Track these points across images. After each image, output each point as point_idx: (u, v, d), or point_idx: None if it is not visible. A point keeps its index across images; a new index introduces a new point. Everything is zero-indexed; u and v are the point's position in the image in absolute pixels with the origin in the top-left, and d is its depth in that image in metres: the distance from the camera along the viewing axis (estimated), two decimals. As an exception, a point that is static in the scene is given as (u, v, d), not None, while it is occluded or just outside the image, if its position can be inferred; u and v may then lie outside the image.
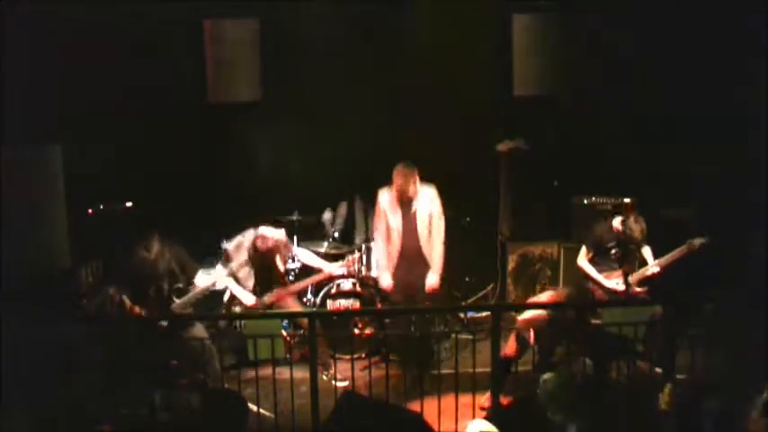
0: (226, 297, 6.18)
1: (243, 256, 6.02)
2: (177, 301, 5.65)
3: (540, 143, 7.25)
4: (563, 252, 7.21)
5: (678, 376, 5.12)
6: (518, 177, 7.33)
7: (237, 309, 6.11)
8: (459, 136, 7.42)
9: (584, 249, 6.18)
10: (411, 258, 6.07)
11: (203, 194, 7.11)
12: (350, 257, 6.25)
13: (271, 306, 6.13)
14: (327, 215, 7.15)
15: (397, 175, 5.91)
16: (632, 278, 6.00)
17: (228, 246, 6.07)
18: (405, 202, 5.98)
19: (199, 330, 5.66)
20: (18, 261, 5.69)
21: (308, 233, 7.10)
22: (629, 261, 6.08)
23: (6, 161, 5.73)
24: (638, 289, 6.03)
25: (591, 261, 6.14)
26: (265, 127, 7.32)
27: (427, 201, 6.03)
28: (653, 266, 5.99)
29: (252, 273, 6.07)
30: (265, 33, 6.48)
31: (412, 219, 6.02)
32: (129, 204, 6.87)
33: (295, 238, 6.86)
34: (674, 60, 6.73)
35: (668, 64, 6.77)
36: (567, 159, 7.11)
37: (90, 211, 6.72)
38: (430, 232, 6.05)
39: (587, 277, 6.15)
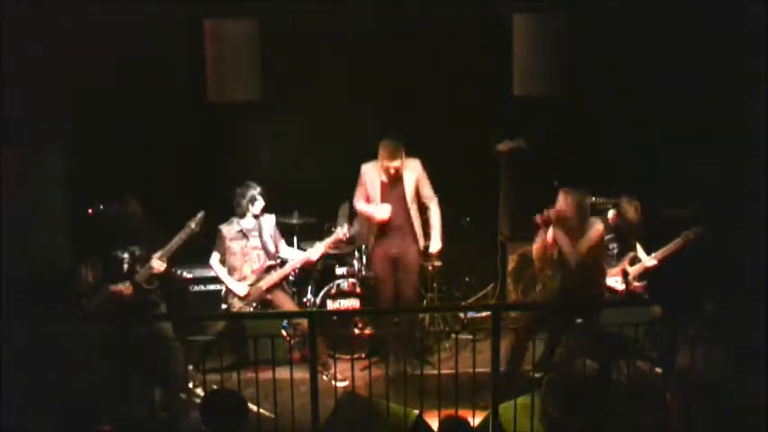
0: (223, 290, 6.23)
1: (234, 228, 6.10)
2: (140, 270, 5.70)
3: (540, 143, 7.25)
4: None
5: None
6: (518, 177, 7.32)
7: (235, 301, 6.12)
8: (459, 136, 7.43)
9: None
10: (395, 230, 6.11)
11: (203, 194, 7.11)
12: (338, 232, 6.22)
13: (266, 293, 6.14)
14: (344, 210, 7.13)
15: (385, 152, 5.92)
16: (630, 273, 6.01)
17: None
18: (391, 177, 6.01)
19: (167, 329, 5.66)
20: (18, 261, 5.69)
21: (308, 233, 7.10)
22: (626, 255, 6.08)
23: (6, 161, 5.73)
24: (636, 284, 6.02)
25: None
26: (265, 127, 7.33)
27: (412, 171, 6.06)
28: (650, 259, 6.00)
29: (245, 258, 6.09)
30: (265, 33, 6.48)
31: (399, 191, 6.06)
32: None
33: (295, 238, 6.87)
34: (675, 60, 6.73)
35: (669, 64, 6.77)
36: (567, 159, 7.11)
37: (90, 211, 6.72)
38: (415, 203, 6.11)
39: None
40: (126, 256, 5.73)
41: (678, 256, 6.07)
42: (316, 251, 6.24)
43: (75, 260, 6.35)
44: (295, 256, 6.34)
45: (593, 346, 5.48)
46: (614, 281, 6.05)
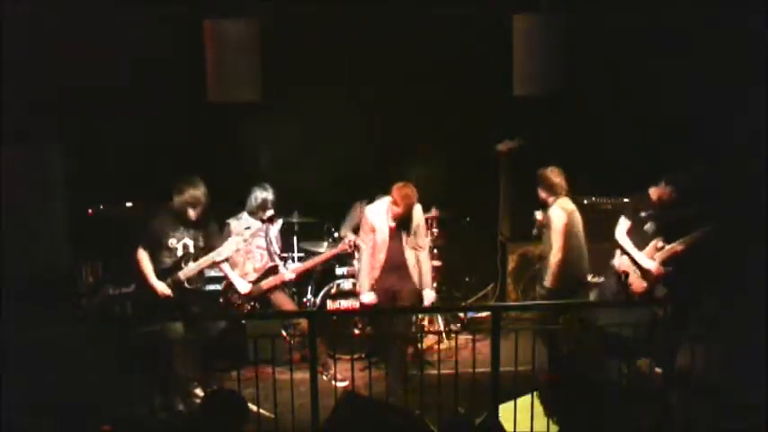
0: (221, 285, 6.23)
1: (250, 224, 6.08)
2: (185, 268, 5.58)
3: (540, 143, 7.24)
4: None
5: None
6: (518, 177, 7.33)
7: (234, 297, 6.11)
8: (459, 136, 7.43)
9: (623, 220, 6.08)
10: (396, 270, 5.98)
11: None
12: (348, 239, 6.22)
13: (267, 292, 6.14)
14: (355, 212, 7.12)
15: (406, 195, 5.80)
16: (658, 256, 5.95)
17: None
18: (400, 219, 5.96)
19: (177, 328, 5.58)
20: (18, 261, 5.69)
21: (308, 233, 7.10)
22: (664, 235, 6.01)
23: (6, 161, 5.74)
24: (661, 269, 5.95)
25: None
26: (265, 127, 7.32)
27: (416, 216, 6.03)
28: (678, 244, 5.93)
29: (248, 256, 6.10)
30: (265, 33, 6.50)
31: (404, 234, 5.97)
32: (129, 204, 6.88)
33: (295, 238, 6.87)
34: (675, 60, 6.73)
35: (669, 63, 6.77)
36: (567, 159, 7.11)
37: (90, 211, 6.72)
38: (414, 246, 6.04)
39: (622, 251, 6.06)
40: (179, 246, 5.59)
41: (680, 257, 6.05)
42: (319, 259, 6.27)
43: (76, 261, 6.36)
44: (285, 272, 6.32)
45: (593, 346, 5.48)
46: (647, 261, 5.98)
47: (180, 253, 5.59)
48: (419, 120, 7.42)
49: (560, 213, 5.79)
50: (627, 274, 5.98)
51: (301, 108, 7.32)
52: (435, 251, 6.98)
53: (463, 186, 7.36)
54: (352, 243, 6.23)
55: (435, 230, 7.05)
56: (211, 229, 5.72)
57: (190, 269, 5.57)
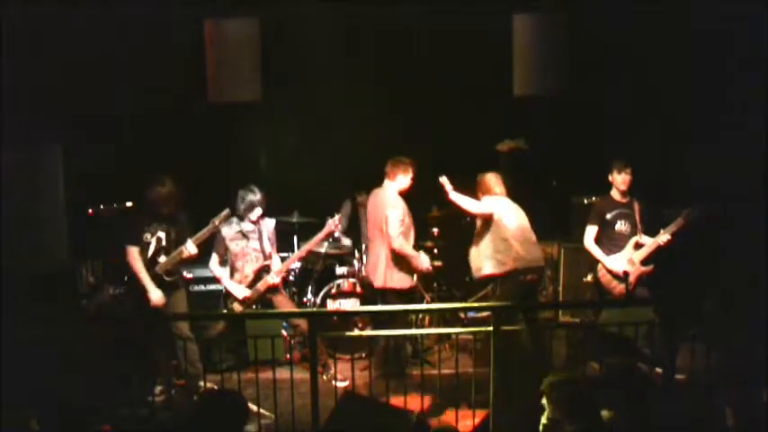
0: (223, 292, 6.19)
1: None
2: (164, 259, 5.67)
3: (540, 143, 7.24)
4: (563, 252, 7.20)
5: (678, 376, 5.12)
6: (518, 177, 7.32)
7: (236, 305, 6.08)
8: (459, 136, 7.43)
9: (589, 229, 6.11)
10: None
11: (203, 195, 7.11)
12: (329, 223, 6.13)
13: (265, 293, 6.12)
14: (345, 209, 7.13)
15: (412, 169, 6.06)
16: (638, 254, 5.94)
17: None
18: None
19: (183, 328, 5.69)
20: (18, 261, 5.69)
21: (308, 233, 7.09)
22: (633, 233, 6.01)
23: (6, 161, 5.74)
24: (644, 268, 5.95)
25: (597, 242, 6.09)
26: (265, 127, 7.33)
27: None
28: (663, 235, 5.93)
29: (246, 259, 6.09)
30: (265, 33, 6.50)
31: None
32: (129, 204, 6.87)
33: (295, 238, 6.87)
34: (675, 60, 6.74)
35: (668, 64, 6.78)
36: (567, 159, 7.11)
37: (90, 211, 6.72)
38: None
39: (593, 258, 6.08)
40: (153, 240, 5.69)
41: (678, 256, 6.04)
42: (308, 245, 6.20)
43: (76, 261, 6.36)
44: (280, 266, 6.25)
45: (594, 346, 5.47)
46: (619, 264, 5.97)
47: (153, 246, 5.68)
48: (419, 120, 7.42)
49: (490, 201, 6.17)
50: (627, 274, 5.98)
51: (301, 108, 7.33)
52: (435, 251, 6.98)
53: (463, 186, 7.36)
54: (335, 224, 6.11)
55: (435, 230, 7.05)
56: (182, 222, 5.78)
57: (165, 262, 5.67)
